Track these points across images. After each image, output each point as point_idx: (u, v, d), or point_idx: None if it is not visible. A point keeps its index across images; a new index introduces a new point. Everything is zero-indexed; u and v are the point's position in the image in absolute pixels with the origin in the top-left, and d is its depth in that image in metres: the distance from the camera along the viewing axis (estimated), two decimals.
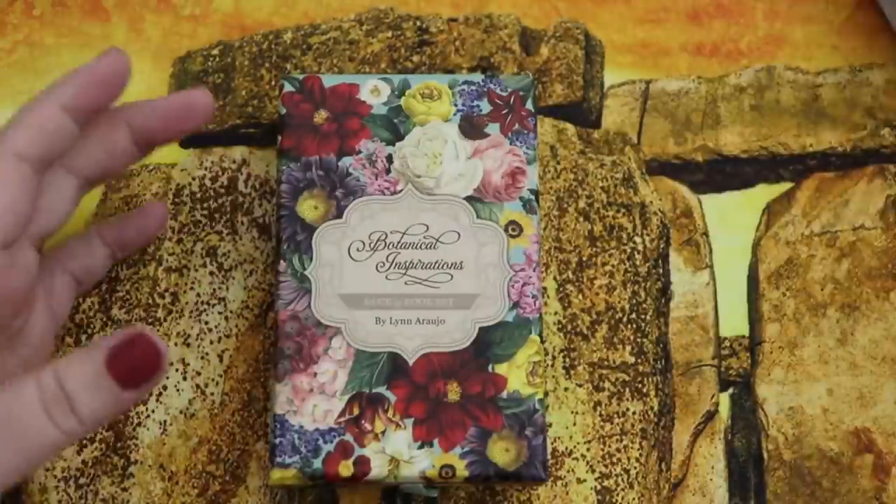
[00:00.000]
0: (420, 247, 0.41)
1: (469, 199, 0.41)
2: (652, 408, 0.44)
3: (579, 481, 0.43)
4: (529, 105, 0.43)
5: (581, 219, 0.46)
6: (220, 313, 0.45)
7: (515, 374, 0.40)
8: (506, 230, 0.41)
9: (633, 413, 0.44)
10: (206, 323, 0.45)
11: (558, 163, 0.47)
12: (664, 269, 0.46)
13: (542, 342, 0.40)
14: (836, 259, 0.46)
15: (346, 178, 0.41)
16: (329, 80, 0.43)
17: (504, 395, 0.39)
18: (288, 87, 0.43)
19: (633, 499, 0.43)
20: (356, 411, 0.39)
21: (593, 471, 0.43)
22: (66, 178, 0.39)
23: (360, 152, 0.42)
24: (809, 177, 0.48)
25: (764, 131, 0.48)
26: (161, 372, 0.33)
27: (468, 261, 0.41)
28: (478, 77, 0.43)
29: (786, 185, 0.48)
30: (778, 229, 0.47)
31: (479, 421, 0.39)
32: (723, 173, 0.48)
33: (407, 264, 0.41)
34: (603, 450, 0.43)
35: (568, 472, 0.43)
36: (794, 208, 0.47)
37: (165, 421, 0.44)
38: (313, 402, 0.39)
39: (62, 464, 0.43)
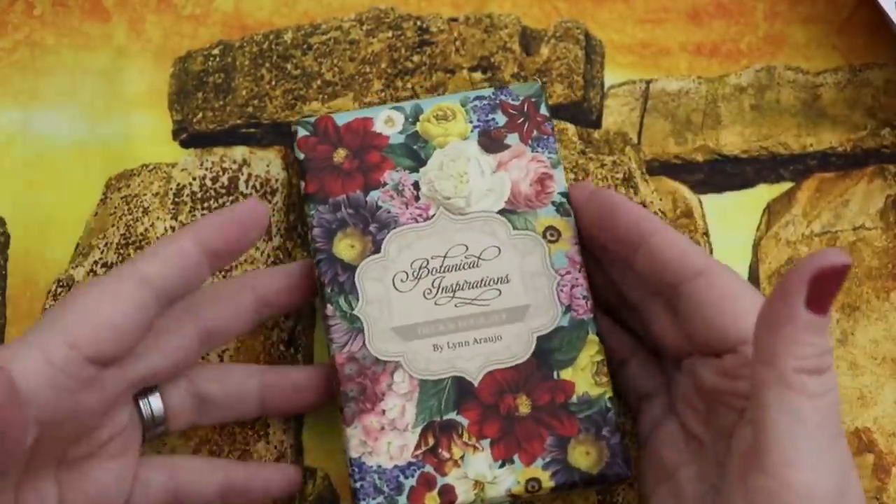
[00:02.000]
0: (463, 267, 0.41)
1: (502, 212, 0.41)
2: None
3: None
4: (543, 110, 0.43)
5: None
6: None
7: (581, 377, 0.40)
8: (544, 237, 0.41)
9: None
10: None
11: None
12: None
13: (602, 341, 0.40)
14: None
15: (377, 211, 0.41)
16: (341, 119, 0.43)
17: (574, 399, 0.40)
18: (302, 132, 0.42)
19: (634, 498, 0.43)
20: (431, 441, 0.39)
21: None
22: (190, 325, 0.38)
23: (385, 184, 0.42)
24: (809, 177, 0.48)
25: (764, 131, 0.48)
26: (8, 440, 0.31)
27: (513, 273, 0.41)
28: (487, 91, 0.43)
29: (786, 185, 0.48)
30: (778, 229, 0.47)
31: (554, 430, 0.39)
32: (723, 173, 0.48)
33: (453, 287, 0.41)
34: None
35: None
36: (795, 208, 0.47)
37: None
38: (387, 439, 0.39)
39: None
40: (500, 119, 0.43)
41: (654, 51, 0.50)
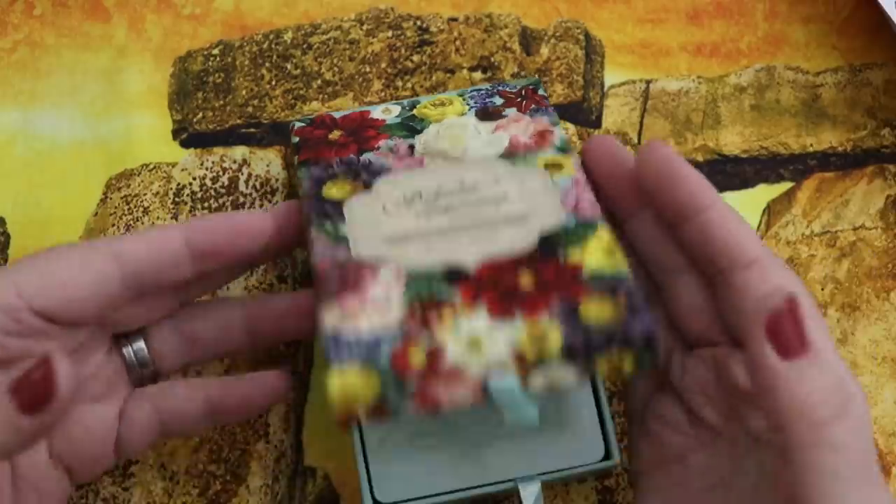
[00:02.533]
0: (458, 192, 0.37)
1: (501, 157, 0.39)
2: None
3: (580, 481, 0.43)
4: (542, 93, 0.42)
5: None
6: None
7: (592, 255, 0.34)
8: (545, 168, 0.38)
9: None
10: None
11: None
12: None
13: (611, 231, 0.36)
14: (837, 259, 0.46)
15: (370, 165, 0.39)
16: (339, 113, 0.42)
17: (585, 274, 0.34)
18: (299, 125, 0.41)
19: (634, 498, 0.43)
20: (418, 315, 0.33)
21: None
22: (175, 335, 0.39)
23: (379, 148, 0.40)
24: (809, 177, 0.48)
25: (764, 131, 0.48)
26: (57, 399, 0.33)
27: (512, 193, 0.37)
28: (484, 85, 0.43)
29: (786, 185, 0.48)
30: (778, 229, 0.47)
31: (564, 293, 0.33)
32: (723, 173, 0.48)
33: (447, 206, 0.37)
34: None
35: None
36: (795, 208, 0.48)
37: None
38: (367, 313, 0.33)
39: None
40: (498, 101, 0.42)
41: (654, 51, 0.50)
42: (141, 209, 0.46)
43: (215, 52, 0.49)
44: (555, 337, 0.32)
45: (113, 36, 0.49)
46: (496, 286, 0.34)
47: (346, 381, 0.31)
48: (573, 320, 0.32)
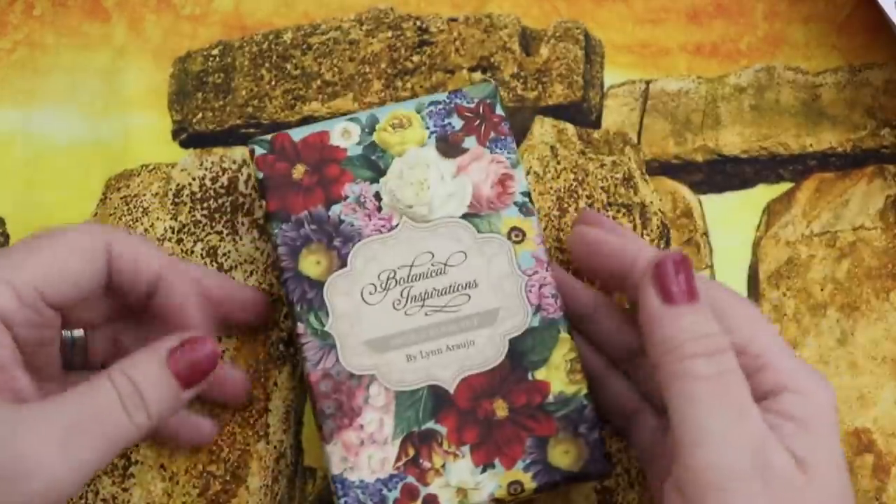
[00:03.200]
0: (431, 275, 0.40)
1: (465, 216, 0.41)
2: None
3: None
4: (499, 111, 0.43)
5: None
6: None
7: (556, 376, 0.40)
8: (509, 238, 0.41)
9: None
10: None
11: (558, 163, 0.47)
12: None
13: (572, 338, 0.40)
14: (836, 259, 0.46)
15: (341, 225, 0.41)
16: (297, 134, 0.42)
17: (550, 398, 0.39)
18: (259, 151, 0.42)
19: (634, 498, 0.43)
20: (411, 452, 0.39)
21: None
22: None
23: (347, 197, 0.41)
24: (809, 177, 0.48)
25: (764, 131, 0.48)
26: (213, 374, 0.36)
27: (480, 277, 0.41)
28: (441, 96, 0.43)
29: (786, 185, 0.48)
30: (778, 229, 0.47)
31: (533, 431, 0.39)
32: (723, 173, 0.48)
33: (422, 295, 0.40)
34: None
35: None
36: (794, 208, 0.48)
37: None
38: (367, 453, 0.39)
39: None
40: (457, 123, 0.42)
41: (654, 51, 0.50)
42: (140, 209, 0.46)
43: (215, 52, 0.49)
44: (529, 487, 0.39)
45: (112, 36, 0.49)
46: (475, 418, 0.39)
47: None
48: (544, 467, 0.39)
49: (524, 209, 0.41)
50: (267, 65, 0.49)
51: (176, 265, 0.39)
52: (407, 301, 0.40)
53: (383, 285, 0.40)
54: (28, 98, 0.48)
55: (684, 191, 0.48)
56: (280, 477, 0.43)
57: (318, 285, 0.40)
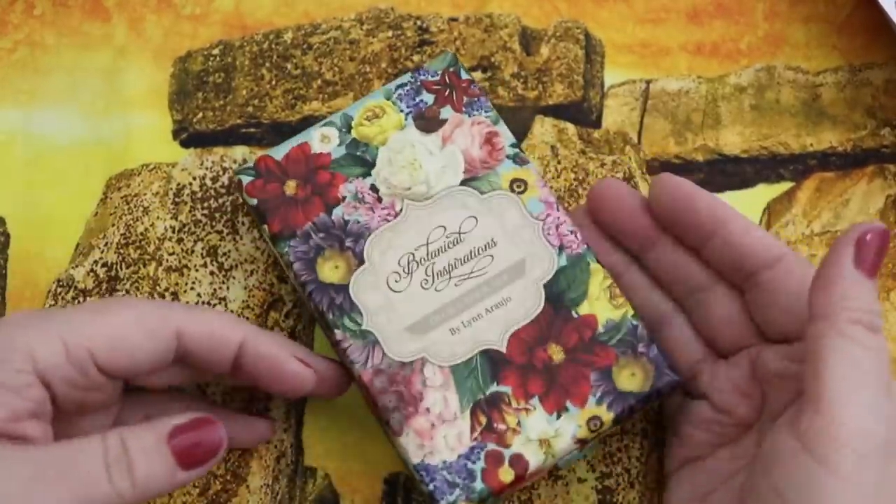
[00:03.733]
0: (449, 247, 0.40)
1: (464, 183, 0.41)
2: (653, 407, 0.44)
3: (580, 480, 0.43)
4: (464, 75, 0.43)
5: None
6: None
7: (599, 306, 0.40)
8: (512, 190, 0.41)
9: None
10: None
11: (559, 162, 0.47)
12: None
13: (602, 266, 0.40)
14: None
15: (347, 225, 0.41)
16: (278, 153, 0.42)
17: (601, 329, 0.40)
18: (246, 179, 0.41)
19: (634, 498, 0.43)
20: (483, 419, 0.39)
21: (594, 470, 0.43)
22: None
23: (344, 198, 0.41)
24: (810, 176, 0.48)
25: (764, 131, 0.48)
26: (215, 460, 0.35)
27: (497, 235, 0.41)
28: (406, 77, 0.43)
29: (786, 185, 0.48)
30: (778, 229, 0.47)
31: (594, 365, 0.39)
32: (723, 173, 0.48)
33: (447, 268, 0.40)
34: (604, 449, 0.43)
35: (569, 471, 0.43)
36: (795, 208, 0.48)
37: None
38: (441, 433, 0.38)
39: None
40: (428, 98, 0.43)
41: (654, 51, 0.50)
42: (141, 209, 0.46)
43: (215, 52, 0.49)
44: (607, 418, 0.39)
45: (113, 36, 0.49)
46: (535, 369, 0.39)
47: None
48: (615, 395, 0.39)
49: (518, 159, 0.42)
50: (267, 64, 0.49)
51: (252, 328, 0.38)
52: (434, 278, 0.40)
53: (406, 270, 0.40)
54: (28, 98, 0.48)
55: None
56: (280, 476, 0.43)
57: (343, 288, 0.40)
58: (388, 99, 0.43)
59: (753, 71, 0.49)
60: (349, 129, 0.42)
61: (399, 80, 0.43)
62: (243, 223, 0.46)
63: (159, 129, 0.48)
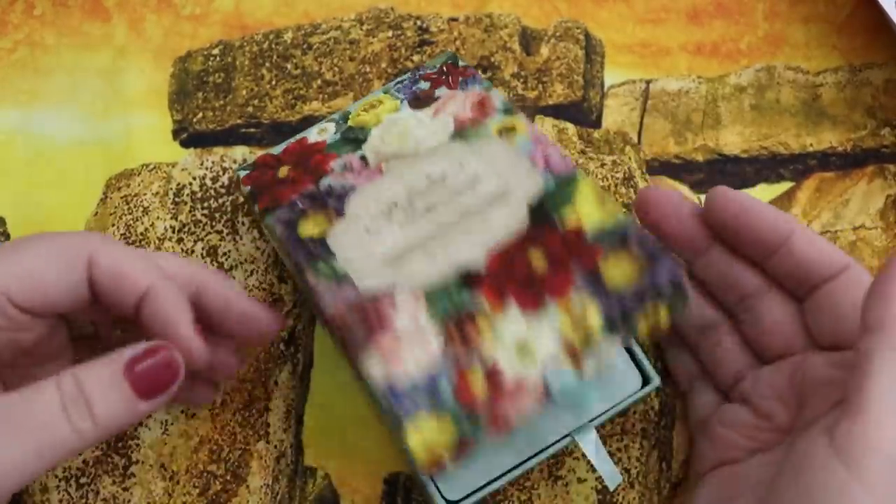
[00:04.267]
0: (430, 189, 0.38)
1: (452, 138, 0.39)
2: (653, 407, 0.44)
3: (580, 481, 0.43)
4: (463, 63, 0.42)
5: None
6: None
7: (586, 213, 0.36)
8: (500, 135, 0.39)
9: (634, 412, 0.44)
10: None
11: None
12: None
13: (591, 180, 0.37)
14: None
15: (332, 190, 0.39)
16: (277, 150, 0.41)
17: (588, 234, 0.35)
18: (243, 174, 0.41)
19: (634, 498, 0.43)
20: (455, 334, 0.34)
21: (594, 470, 0.43)
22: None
23: (333, 170, 0.39)
24: (809, 176, 0.48)
25: (764, 131, 0.49)
26: (175, 386, 0.34)
27: (481, 171, 0.38)
28: (405, 76, 0.43)
29: (786, 185, 0.48)
30: None
31: (579, 264, 0.34)
32: (723, 173, 0.48)
33: (428, 207, 0.37)
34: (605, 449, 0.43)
35: (568, 471, 0.43)
36: (795, 208, 0.48)
37: (166, 420, 0.44)
38: (409, 350, 0.33)
39: (63, 463, 0.43)
40: (425, 85, 0.42)
41: (654, 51, 0.50)
42: (141, 209, 0.46)
43: (215, 52, 0.49)
44: (593, 312, 0.33)
45: (113, 36, 0.49)
46: (514, 277, 0.34)
47: (424, 436, 0.32)
48: (601, 288, 0.34)
49: (508, 111, 0.40)
50: (267, 64, 0.49)
51: (165, 281, 0.36)
52: (414, 216, 0.37)
53: (386, 215, 0.37)
54: (29, 98, 0.48)
55: (685, 190, 0.48)
56: (280, 476, 0.43)
57: (321, 241, 0.37)
58: (386, 93, 0.42)
59: (753, 71, 0.49)
60: (346, 120, 0.42)
61: (398, 79, 0.43)
62: (243, 223, 0.46)
63: (159, 129, 0.48)
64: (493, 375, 0.33)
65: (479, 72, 0.42)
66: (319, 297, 0.36)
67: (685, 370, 0.43)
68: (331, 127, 0.42)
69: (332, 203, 0.38)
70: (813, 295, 0.38)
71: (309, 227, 0.38)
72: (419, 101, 0.41)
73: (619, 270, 0.34)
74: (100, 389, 0.33)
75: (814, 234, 0.38)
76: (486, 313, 0.34)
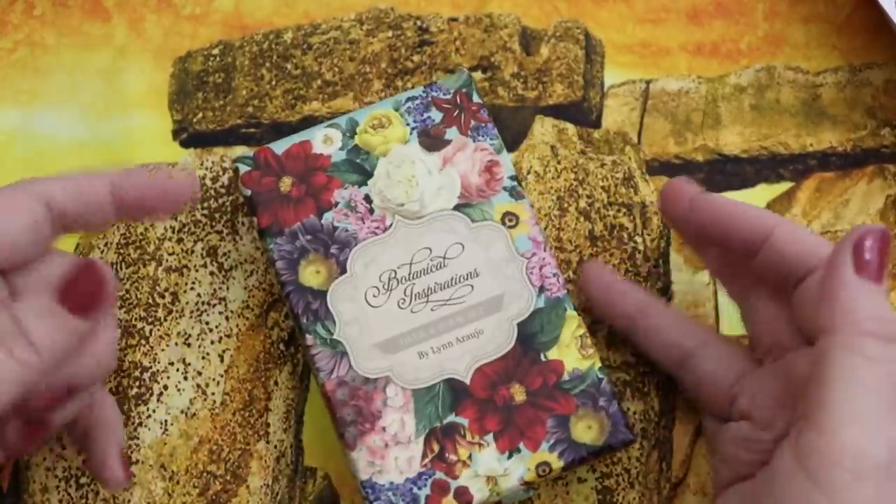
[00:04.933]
0: (431, 270, 0.41)
1: (457, 207, 0.42)
2: (653, 407, 0.44)
3: (580, 481, 0.43)
4: (476, 98, 0.43)
5: (582, 218, 0.46)
6: (220, 313, 0.45)
7: (568, 354, 0.40)
8: (503, 223, 0.41)
9: (634, 412, 0.44)
10: (207, 323, 0.45)
11: (559, 162, 0.47)
12: (665, 268, 0.46)
13: (579, 314, 0.41)
14: None
15: (335, 232, 0.41)
16: (279, 147, 0.42)
17: (566, 376, 0.40)
18: (243, 168, 0.42)
19: (634, 498, 0.43)
20: (436, 447, 0.39)
21: (594, 470, 0.43)
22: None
23: (337, 203, 0.41)
24: (810, 176, 0.48)
25: (764, 131, 0.48)
26: (108, 298, 0.35)
27: (481, 266, 0.41)
28: (418, 90, 0.43)
29: (786, 185, 0.48)
30: None
31: (553, 411, 0.39)
32: (723, 173, 0.48)
33: (426, 291, 0.41)
34: None
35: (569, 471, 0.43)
36: (795, 208, 0.48)
37: (166, 421, 0.44)
38: (393, 455, 0.39)
39: (63, 463, 0.43)
40: (436, 116, 0.43)
41: (654, 51, 0.50)
42: None
43: (215, 52, 0.49)
44: (557, 466, 0.39)
45: (113, 36, 0.49)
46: (494, 406, 0.39)
47: None
48: (569, 445, 0.39)
49: (514, 193, 0.42)
50: (267, 64, 0.49)
51: (119, 170, 0.37)
52: (411, 299, 0.40)
53: (386, 286, 0.40)
54: (29, 98, 0.48)
55: None
56: (280, 476, 0.43)
57: (321, 294, 0.40)
58: (396, 110, 0.43)
59: (753, 71, 0.49)
60: (353, 134, 0.42)
61: (410, 93, 0.43)
62: (243, 223, 0.46)
63: (159, 130, 0.48)
64: (462, 497, 0.39)
65: (490, 118, 0.43)
66: (316, 362, 0.40)
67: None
68: (336, 136, 0.42)
69: (335, 250, 0.41)
70: (798, 288, 0.37)
71: (310, 275, 0.41)
72: (429, 140, 0.42)
73: (585, 429, 0.39)
74: (36, 317, 0.34)
75: (796, 228, 0.38)
76: (466, 437, 0.39)
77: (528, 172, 0.47)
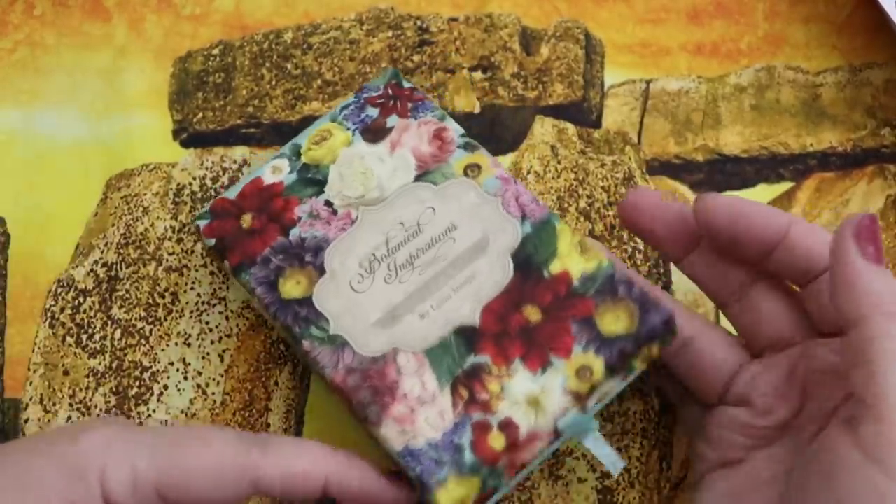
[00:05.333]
0: (409, 240, 0.39)
1: (417, 178, 0.40)
2: (653, 407, 0.44)
3: (580, 480, 0.43)
4: (406, 85, 0.43)
5: (582, 218, 0.46)
6: (220, 313, 0.45)
7: (571, 262, 0.38)
8: (466, 175, 0.40)
9: (634, 412, 0.44)
10: (207, 323, 0.45)
11: (559, 162, 0.47)
12: (665, 268, 0.46)
13: (568, 225, 0.39)
14: None
15: (305, 242, 0.40)
16: (231, 193, 0.41)
17: (576, 283, 0.37)
18: (203, 223, 0.41)
19: (634, 498, 0.43)
20: (465, 393, 0.36)
21: (594, 470, 0.43)
22: None
23: (300, 218, 0.40)
24: (810, 176, 0.48)
25: (764, 131, 0.49)
26: None
27: (456, 218, 0.39)
28: (349, 99, 0.43)
29: (786, 185, 0.48)
30: None
31: (574, 317, 0.37)
32: (723, 173, 0.48)
33: (409, 260, 0.39)
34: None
35: (569, 471, 0.43)
36: (795, 208, 0.48)
37: (166, 421, 0.44)
38: (422, 416, 0.36)
39: None
40: (373, 112, 0.42)
41: (654, 51, 0.50)
42: (141, 209, 0.46)
43: (215, 52, 0.49)
44: (597, 365, 0.36)
45: (113, 36, 0.49)
46: (513, 335, 0.37)
47: (451, 494, 0.34)
48: (600, 337, 0.36)
49: (469, 147, 0.41)
50: (267, 64, 0.49)
51: (342, 462, 0.36)
52: (397, 271, 0.39)
53: (368, 270, 0.39)
54: (29, 98, 0.48)
55: (685, 190, 0.48)
56: None
57: (307, 301, 0.39)
58: (334, 121, 0.42)
59: (753, 71, 0.49)
60: (299, 156, 0.42)
61: (343, 103, 0.43)
62: None
63: (159, 129, 0.48)
64: (508, 429, 0.35)
65: (425, 95, 0.42)
66: (319, 363, 0.38)
67: (671, 384, 0.42)
68: (283, 164, 0.42)
69: (309, 258, 0.39)
70: (815, 280, 0.37)
71: (291, 287, 0.39)
72: (372, 134, 0.42)
73: (614, 320, 0.37)
74: None
75: (810, 225, 0.38)
76: (492, 372, 0.36)
77: (528, 172, 0.47)
